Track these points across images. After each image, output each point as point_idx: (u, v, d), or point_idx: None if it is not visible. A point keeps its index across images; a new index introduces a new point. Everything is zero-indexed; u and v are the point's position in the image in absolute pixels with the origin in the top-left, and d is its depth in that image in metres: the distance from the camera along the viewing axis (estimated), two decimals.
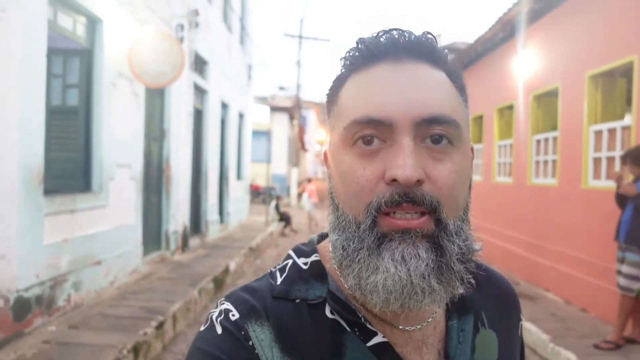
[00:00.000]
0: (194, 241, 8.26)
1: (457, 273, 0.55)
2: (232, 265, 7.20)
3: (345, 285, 0.59)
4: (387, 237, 0.54)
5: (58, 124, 4.48)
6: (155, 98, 6.54)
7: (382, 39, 0.58)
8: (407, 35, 0.58)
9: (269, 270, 0.67)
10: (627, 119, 5.06)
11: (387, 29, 0.59)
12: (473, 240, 0.59)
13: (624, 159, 4.24)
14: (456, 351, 0.62)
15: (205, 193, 9.05)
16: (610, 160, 5.10)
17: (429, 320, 0.63)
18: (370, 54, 0.58)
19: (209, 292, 5.92)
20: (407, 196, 0.53)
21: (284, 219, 13.18)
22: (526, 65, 6.82)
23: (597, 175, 5.30)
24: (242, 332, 0.58)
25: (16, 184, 3.58)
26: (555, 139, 6.25)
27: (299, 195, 20.06)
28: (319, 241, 0.69)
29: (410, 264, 0.53)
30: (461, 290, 0.58)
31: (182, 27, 7.03)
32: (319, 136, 42.58)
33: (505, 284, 0.76)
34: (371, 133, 0.55)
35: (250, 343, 0.57)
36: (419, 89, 0.56)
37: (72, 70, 4.78)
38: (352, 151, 0.57)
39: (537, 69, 6.57)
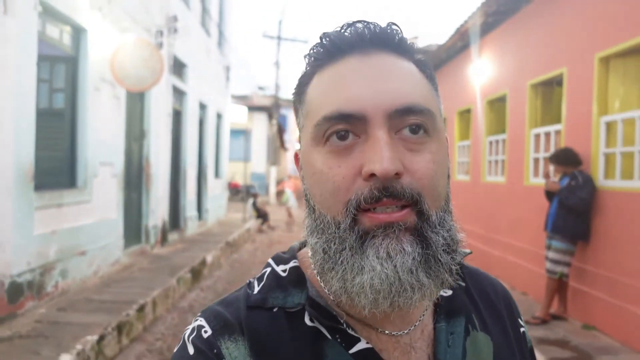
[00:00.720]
0: (172, 236, 8.67)
1: (444, 265, 0.53)
2: (209, 258, 7.65)
3: (327, 290, 0.58)
4: (369, 233, 0.52)
5: (46, 125, 4.86)
6: (136, 100, 6.94)
7: (346, 33, 0.57)
8: (372, 27, 0.57)
9: (247, 281, 0.66)
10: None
11: (351, 22, 0.58)
12: (457, 230, 0.57)
13: (551, 160, 4.86)
14: (446, 355, 0.60)
15: (184, 190, 9.46)
16: (547, 160, 5.73)
17: (417, 323, 0.61)
18: (336, 48, 0.57)
19: (187, 281, 6.36)
20: (386, 190, 0.51)
21: (261, 216, 13.61)
22: (481, 73, 7.44)
23: (536, 174, 5.94)
24: (215, 350, 0.56)
25: (10, 181, 3.99)
26: (504, 140, 6.88)
27: (278, 193, 20.52)
28: (300, 248, 0.67)
29: (396, 260, 0.51)
30: (451, 282, 0.55)
31: (161, 33, 7.43)
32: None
33: (497, 287, 0.74)
34: (344, 128, 0.54)
35: None
36: (390, 80, 0.54)
37: (58, 75, 5.18)
38: (324, 149, 0.55)
39: (490, 77, 7.20)
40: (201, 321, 0.60)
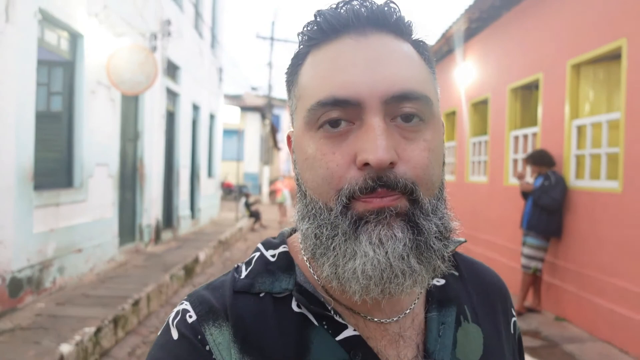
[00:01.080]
0: (166, 234, 8.87)
1: (437, 252, 0.53)
2: (202, 256, 7.85)
3: (316, 277, 0.58)
4: (362, 219, 0.51)
5: (44, 127, 5.05)
6: (130, 103, 7.14)
7: (342, 11, 0.55)
8: (369, 4, 0.55)
9: (236, 265, 0.65)
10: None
11: None
12: (450, 218, 0.57)
13: (527, 160, 5.13)
14: (436, 345, 0.59)
15: (177, 190, 9.66)
16: (524, 161, 6.01)
17: (407, 311, 0.60)
18: (331, 27, 0.55)
19: (180, 278, 6.57)
20: (380, 180, 0.50)
21: (254, 215, 13.81)
22: (465, 76, 7.71)
23: (515, 174, 6.21)
24: (199, 337, 0.56)
25: (12, 181, 4.19)
26: (486, 142, 7.15)
27: (271, 193, 20.73)
28: (290, 234, 0.67)
29: (387, 246, 0.50)
30: (443, 269, 0.55)
31: (155, 36, 7.63)
32: None
33: (493, 277, 0.73)
34: (338, 115, 0.53)
35: (207, 348, 0.55)
36: (387, 64, 0.53)
37: (56, 79, 5.37)
38: (318, 134, 0.54)
39: (474, 80, 7.47)
40: (186, 305, 0.59)
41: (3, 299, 4.14)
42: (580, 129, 4.84)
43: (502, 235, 6.36)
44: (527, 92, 6.25)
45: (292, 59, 0.60)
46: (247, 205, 13.93)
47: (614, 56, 4.47)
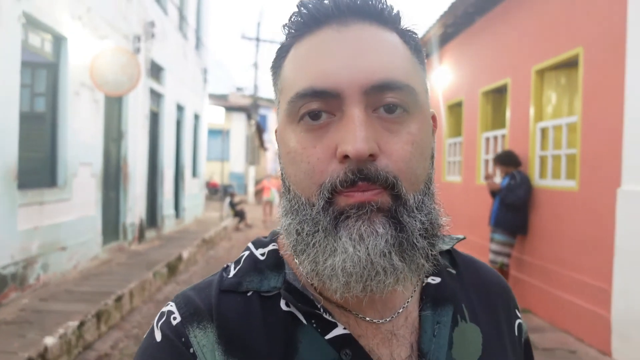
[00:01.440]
0: (150, 233, 8.99)
1: (420, 249, 0.51)
2: (185, 254, 8.00)
3: (303, 273, 0.56)
4: (343, 214, 0.50)
5: (28, 127, 5.16)
6: (114, 103, 7.26)
7: (325, 1, 0.54)
8: None
9: (225, 265, 0.64)
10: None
11: None
12: (438, 214, 0.55)
13: (495, 161, 5.40)
14: (430, 345, 0.57)
15: (161, 189, 9.77)
16: (493, 161, 6.28)
17: (400, 310, 0.59)
18: (312, 18, 0.54)
19: (163, 275, 6.71)
20: (361, 173, 0.49)
21: (239, 214, 13.93)
22: (442, 79, 7.98)
23: (485, 175, 6.48)
24: (183, 339, 0.55)
25: None
26: (460, 143, 7.43)
27: (257, 192, 20.85)
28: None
29: (368, 242, 0.49)
30: (427, 267, 0.53)
31: (138, 38, 7.76)
32: None
33: (493, 277, 0.71)
34: (318, 107, 0.51)
35: (191, 350, 0.54)
36: (367, 53, 0.51)
37: (40, 81, 5.49)
38: (299, 127, 0.53)
39: (450, 83, 7.74)
40: (172, 307, 0.59)
41: None
42: (544, 131, 5.12)
43: (475, 232, 6.63)
44: (498, 96, 6.53)
45: (277, 52, 0.60)
46: (232, 204, 14.02)
47: (573, 63, 4.75)
